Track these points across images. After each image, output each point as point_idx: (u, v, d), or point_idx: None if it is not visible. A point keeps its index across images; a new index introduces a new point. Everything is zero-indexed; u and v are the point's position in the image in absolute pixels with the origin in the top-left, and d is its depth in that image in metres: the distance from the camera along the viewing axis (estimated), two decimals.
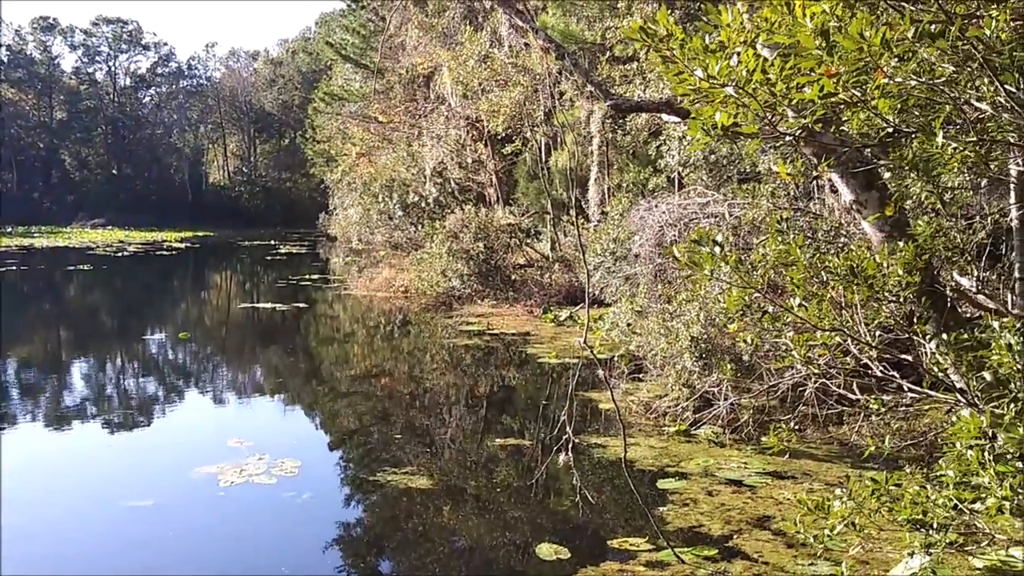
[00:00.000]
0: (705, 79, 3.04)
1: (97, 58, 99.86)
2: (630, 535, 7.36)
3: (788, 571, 6.53)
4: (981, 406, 3.89)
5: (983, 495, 3.58)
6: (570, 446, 9.95)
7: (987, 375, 3.70)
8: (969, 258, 7.71)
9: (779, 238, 4.40)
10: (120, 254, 49.41)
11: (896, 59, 2.95)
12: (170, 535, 7.73)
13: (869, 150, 5.26)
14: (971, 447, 3.53)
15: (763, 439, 9.72)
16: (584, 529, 7.82)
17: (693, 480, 8.77)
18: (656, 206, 14.29)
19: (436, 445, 10.84)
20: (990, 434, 3.45)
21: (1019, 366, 3.53)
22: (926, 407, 8.23)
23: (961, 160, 3.26)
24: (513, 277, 24.61)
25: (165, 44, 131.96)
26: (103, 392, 14.57)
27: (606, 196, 23.10)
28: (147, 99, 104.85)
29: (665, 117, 9.43)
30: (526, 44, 18.67)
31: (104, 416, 12.61)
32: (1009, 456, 3.58)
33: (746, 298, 4.18)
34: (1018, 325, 4.32)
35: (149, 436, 11.56)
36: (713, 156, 14.36)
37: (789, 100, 3.08)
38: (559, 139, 25.81)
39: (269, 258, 49.55)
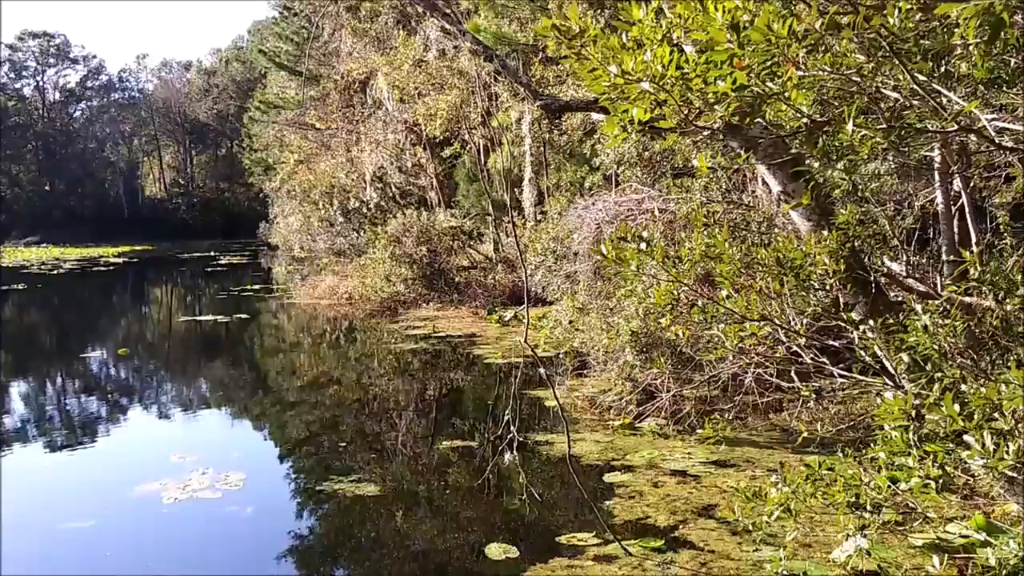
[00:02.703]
0: (620, 75, 3.08)
1: (24, 73, 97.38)
2: (578, 530, 7.40)
3: (734, 558, 6.63)
4: (907, 388, 3.99)
5: (909, 475, 3.67)
6: (515, 445, 9.97)
7: (905, 357, 3.80)
8: (897, 243, 7.91)
9: (705, 232, 4.48)
10: (56, 272, 48.25)
11: (805, 50, 3.02)
12: (109, 555, 7.59)
13: (796, 141, 5.36)
14: (896, 428, 3.62)
15: (700, 430, 9.85)
16: (533, 527, 7.85)
17: (639, 472, 8.86)
18: (593, 204, 14.39)
19: (385, 451, 10.78)
20: (913, 415, 3.55)
21: (935, 347, 3.63)
22: (855, 392, 8.41)
23: (871, 147, 3.34)
24: (457, 279, 24.59)
25: (94, 57, 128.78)
26: (42, 413, 14.22)
27: (544, 195, 23.20)
28: (78, 113, 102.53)
29: (595, 116, 9.51)
30: (456, 47, 18.68)
31: (43, 437, 12.31)
32: (939, 434, 3.67)
33: (675, 291, 4.24)
34: (945, 306, 4.44)
35: (90, 455, 11.30)
36: (647, 153, 14.49)
37: (704, 94, 3.13)
38: (496, 140, 25.85)
39: (210, 270, 48.79)
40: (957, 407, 3.21)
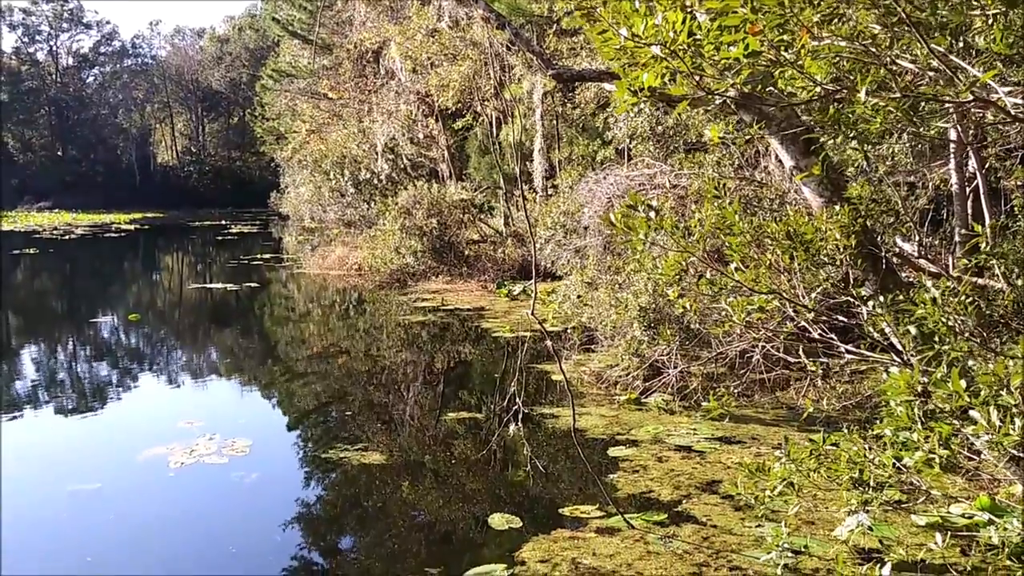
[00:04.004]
0: (630, 38, 3.03)
1: (37, 37, 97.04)
2: (582, 503, 7.41)
3: (736, 533, 6.63)
4: (913, 363, 3.96)
5: (912, 449, 3.64)
6: (519, 417, 9.99)
7: (912, 329, 3.76)
8: (908, 223, 7.84)
9: (716, 203, 4.44)
10: (67, 237, 48.42)
11: (819, 16, 2.97)
12: (111, 518, 7.65)
13: (810, 113, 5.30)
14: (902, 404, 3.59)
15: (705, 404, 9.83)
16: (537, 498, 7.87)
17: (643, 447, 8.86)
18: (604, 178, 14.31)
19: (393, 421, 10.81)
20: (919, 390, 3.52)
21: (944, 320, 3.60)
22: (863, 367, 8.38)
23: (884, 118, 3.29)
24: (467, 253, 24.55)
25: (108, 22, 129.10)
26: (52, 377, 14.29)
27: (556, 168, 23.10)
28: (91, 79, 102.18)
29: (607, 86, 9.42)
30: (469, 16, 18.53)
31: (53, 401, 12.38)
32: (945, 411, 3.64)
33: (683, 262, 4.21)
34: (955, 283, 4.40)
35: (98, 419, 11.37)
36: (660, 127, 14.39)
37: (716, 61, 3.08)
38: (509, 113, 25.73)
39: (220, 238, 48.87)
40: (963, 383, 3.18)
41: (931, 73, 3.29)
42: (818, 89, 3.27)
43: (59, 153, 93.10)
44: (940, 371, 3.47)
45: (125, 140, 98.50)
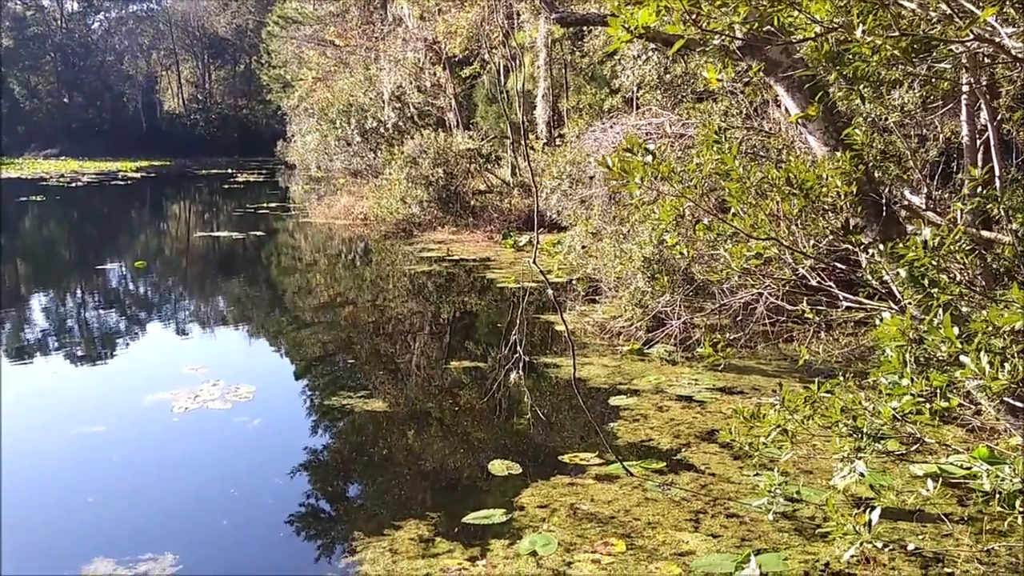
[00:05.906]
0: None
1: None
2: (582, 451, 7.46)
3: (734, 481, 6.67)
4: (910, 309, 3.93)
5: (901, 395, 3.62)
6: (520, 365, 10.01)
7: (902, 272, 3.73)
8: (916, 174, 7.76)
9: (715, 148, 4.39)
10: (74, 184, 48.38)
11: None
12: (114, 460, 7.73)
13: (812, 57, 5.20)
14: (894, 350, 3.56)
15: (699, 350, 9.82)
16: (538, 446, 7.92)
17: (644, 396, 8.89)
18: (611, 127, 14.18)
19: (397, 370, 10.84)
20: (913, 336, 3.49)
21: (934, 262, 3.56)
22: (860, 317, 8.36)
23: (882, 57, 3.22)
24: (473, 203, 24.42)
25: None
26: (59, 323, 14.37)
27: (564, 117, 22.89)
28: (96, 25, 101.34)
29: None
30: None
31: (60, 347, 12.45)
32: (940, 359, 3.62)
33: (680, 208, 4.17)
34: (955, 234, 4.35)
35: (104, 365, 11.46)
36: (668, 75, 14.22)
37: None
38: (517, 61, 25.44)
39: (227, 187, 48.78)
40: (956, 330, 3.15)
41: (933, 13, 3.21)
42: (817, 28, 3.20)
43: (65, 100, 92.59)
44: (932, 315, 3.44)
45: (131, 87, 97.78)
